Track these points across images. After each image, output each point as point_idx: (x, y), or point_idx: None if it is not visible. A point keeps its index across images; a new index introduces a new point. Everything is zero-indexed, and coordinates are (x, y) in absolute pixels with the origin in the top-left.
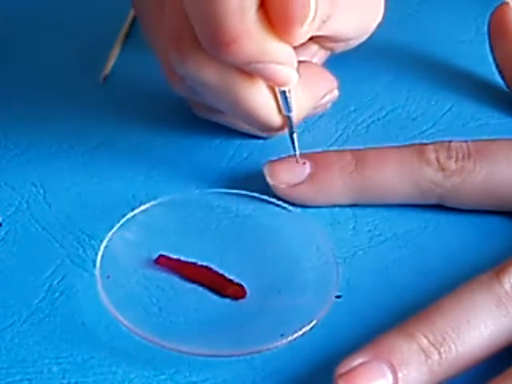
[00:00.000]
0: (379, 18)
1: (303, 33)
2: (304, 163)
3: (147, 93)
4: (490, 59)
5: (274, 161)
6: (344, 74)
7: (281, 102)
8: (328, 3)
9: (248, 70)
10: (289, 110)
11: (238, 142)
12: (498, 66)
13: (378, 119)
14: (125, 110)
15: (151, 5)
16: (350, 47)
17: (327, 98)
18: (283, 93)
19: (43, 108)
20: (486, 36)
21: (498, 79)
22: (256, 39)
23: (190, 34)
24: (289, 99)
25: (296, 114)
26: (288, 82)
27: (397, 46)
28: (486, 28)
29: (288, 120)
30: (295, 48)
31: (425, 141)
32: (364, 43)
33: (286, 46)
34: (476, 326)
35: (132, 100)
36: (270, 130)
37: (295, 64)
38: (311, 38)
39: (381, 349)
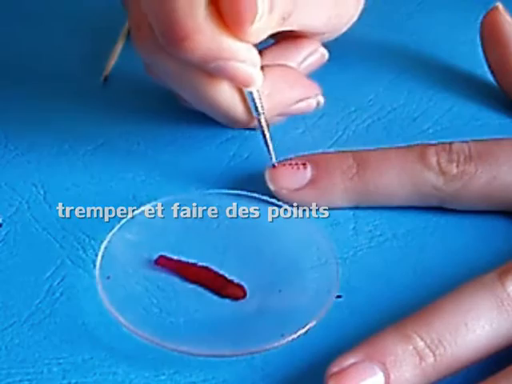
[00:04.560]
0: (356, 12)
1: (258, 30)
2: (304, 166)
3: (147, 93)
4: None
5: (274, 165)
6: (344, 73)
7: (249, 103)
8: (287, 0)
9: (210, 70)
10: (257, 111)
11: (238, 142)
12: (491, 70)
13: (379, 119)
14: (125, 110)
15: None
16: (326, 40)
17: (301, 104)
18: (250, 94)
19: (43, 109)
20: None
21: None
22: (209, 35)
23: (149, 24)
24: (256, 100)
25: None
26: (251, 81)
27: (397, 46)
28: None
29: (258, 122)
30: (280, 52)
31: (425, 141)
32: (364, 43)
33: (245, 43)
34: (474, 329)
35: (132, 100)
36: (237, 125)
37: (258, 63)
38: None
39: (375, 349)
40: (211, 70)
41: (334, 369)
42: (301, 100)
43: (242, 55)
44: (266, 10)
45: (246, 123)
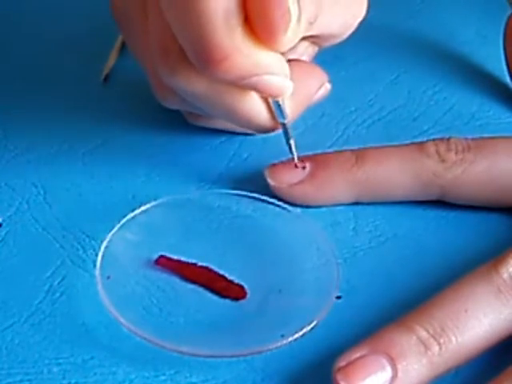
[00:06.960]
0: (363, 13)
1: (289, 38)
2: (304, 167)
3: (147, 93)
4: (490, 60)
5: (274, 163)
6: (344, 73)
7: (274, 110)
8: (314, 4)
9: (241, 85)
10: (283, 117)
11: (238, 142)
12: (508, 66)
13: (379, 119)
14: (125, 110)
15: (134, 16)
16: (334, 43)
17: (320, 92)
18: (276, 102)
19: (43, 108)
20: (487, 37)
21: (498, 79)
22: (246, 54)
23: (178, 46)
24: (282, 107)
25: (292, 112)
26: (283, 92)
27: (397, 47)
28: (485, 29)
29: (283, 127)
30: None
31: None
32: (364, 43)
33: (276, 54)
34: (475, 315)
35: (132, 100)
36: (265, 132)
37: (288, 73)
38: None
39: (379, 342)
40: (244, 85)
41: (342, 363)
42: (320, 87)
43: (275, 68)
44: (296, 16)
45: (270, 130)
